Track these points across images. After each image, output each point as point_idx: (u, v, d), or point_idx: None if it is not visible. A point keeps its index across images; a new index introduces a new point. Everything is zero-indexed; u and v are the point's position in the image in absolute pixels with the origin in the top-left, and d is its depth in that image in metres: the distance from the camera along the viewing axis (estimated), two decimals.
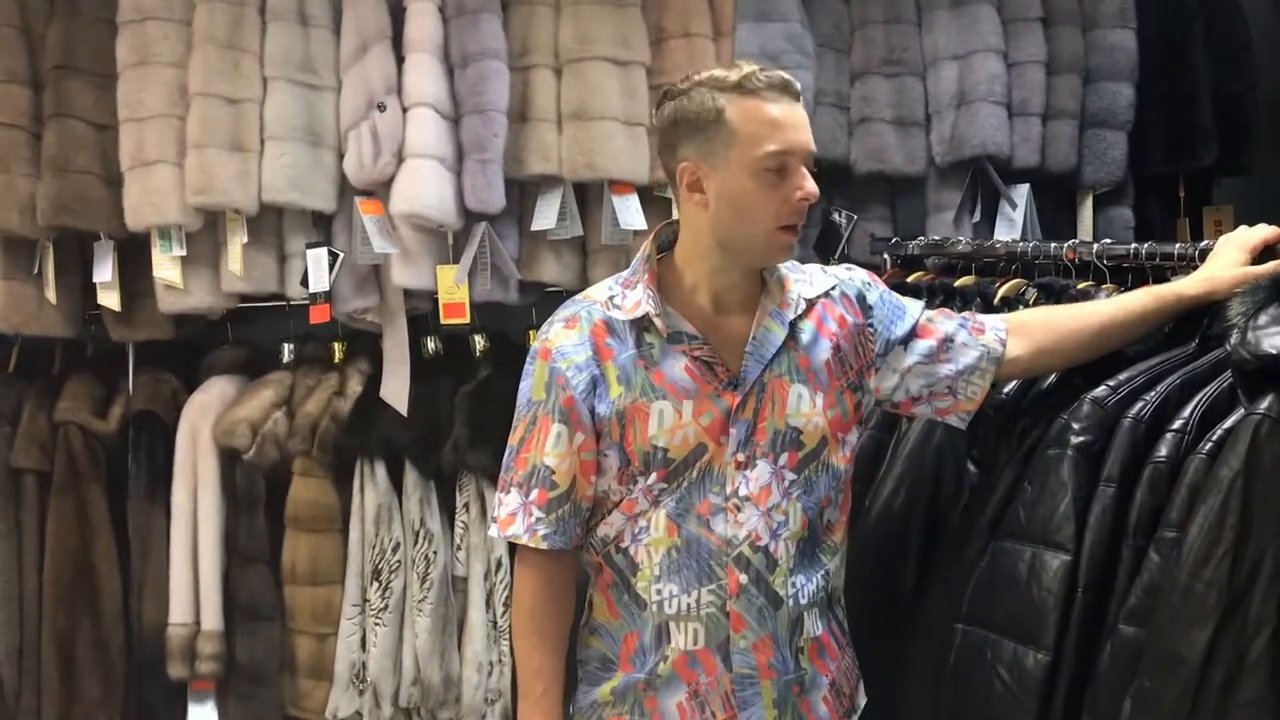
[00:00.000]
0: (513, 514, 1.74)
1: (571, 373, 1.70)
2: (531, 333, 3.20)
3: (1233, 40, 3.21)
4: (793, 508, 1.73)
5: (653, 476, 1.71)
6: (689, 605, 1.72)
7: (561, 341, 1.72)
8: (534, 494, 1.72)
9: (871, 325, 1.81)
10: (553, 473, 1.71)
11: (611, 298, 1.75)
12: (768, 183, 1.64)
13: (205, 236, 3.01)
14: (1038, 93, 3.07)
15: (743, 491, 1.70)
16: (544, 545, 1.73)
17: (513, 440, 1.76)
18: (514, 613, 1.80)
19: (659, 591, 1.72)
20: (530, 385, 1.74)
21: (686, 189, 1.69)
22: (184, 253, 2.96)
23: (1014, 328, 1.83)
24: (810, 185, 1.66)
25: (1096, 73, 3.10)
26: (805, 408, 1.73)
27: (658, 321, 1.70)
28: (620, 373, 1.70)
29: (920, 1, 3.14)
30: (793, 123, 1.65)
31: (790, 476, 1.73)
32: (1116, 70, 3.09)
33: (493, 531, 1.79)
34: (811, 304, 1.78)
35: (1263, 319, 1.50)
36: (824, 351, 1.76)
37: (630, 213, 2.98)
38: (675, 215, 1.79)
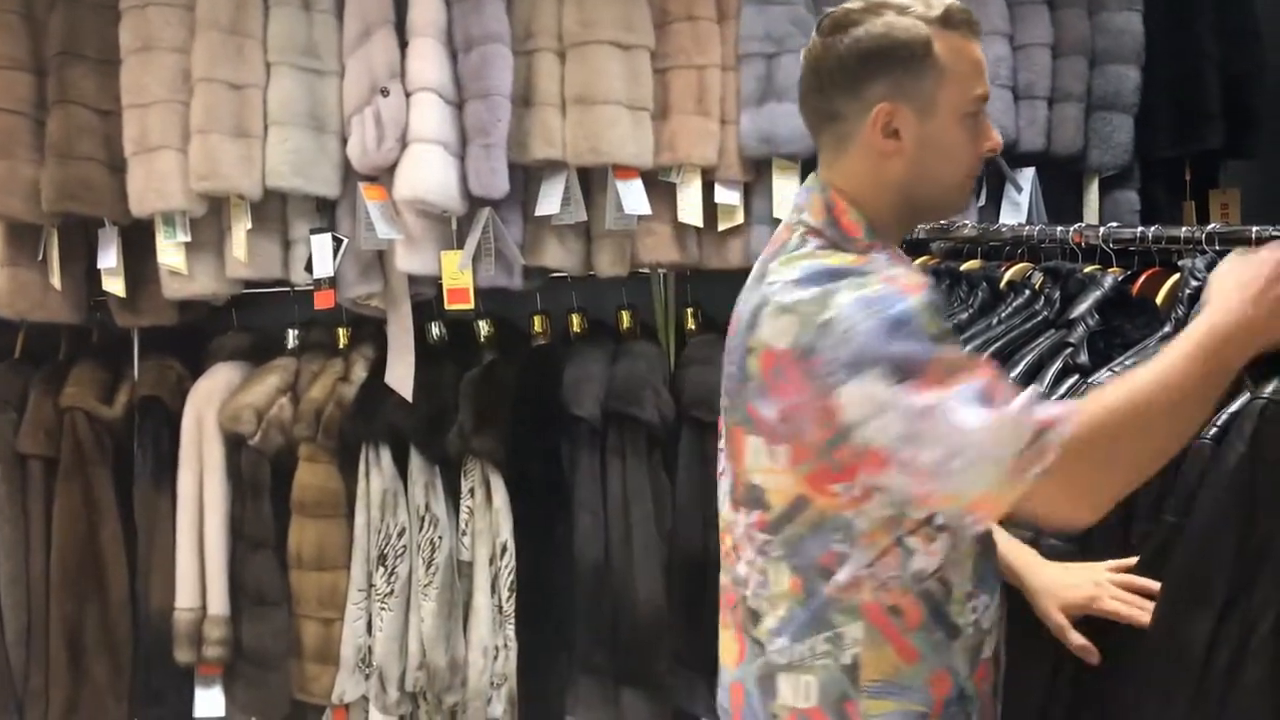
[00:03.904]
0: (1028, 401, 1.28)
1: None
2: (536, 318, 3.19)
3: (1240, 22, 3.18)
4: None
5: None
6: (997, 610, 1.48)
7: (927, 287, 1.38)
8: (1005, 387, 1.31)
9: None
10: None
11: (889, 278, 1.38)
12: (969, 129, 1.46)
13: (209, 222, 3.01)
14: (1044, 76, 3.05)
15: None
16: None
17: (937, 389, 1.27)
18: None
19: (974, 609, 1.43)
20: (916, 322, 1.31)
21: (880, 134, 1.43)
22: (188, 238, 2.96)
23: None
24: (997, 135, 1.50)
25: (1103, 55, 3.08)
26: None
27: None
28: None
29: None
30: (985, 67, 1.47)
31: None
32: (1123, 53, 3.07)
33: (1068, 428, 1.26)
34: None
35: None
36: None
37: (634, 197, 2.97)
38: (817, 167, 1.51)
